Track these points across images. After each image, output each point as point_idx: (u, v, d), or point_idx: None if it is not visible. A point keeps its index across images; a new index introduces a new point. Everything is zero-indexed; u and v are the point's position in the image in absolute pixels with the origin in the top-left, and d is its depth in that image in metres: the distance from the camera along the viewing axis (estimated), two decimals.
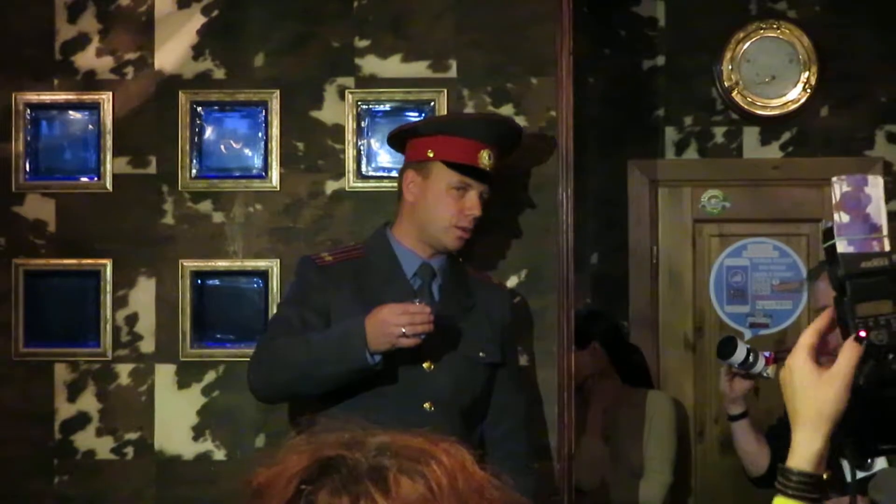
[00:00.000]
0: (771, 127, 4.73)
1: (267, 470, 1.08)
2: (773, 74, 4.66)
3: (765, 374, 3.20)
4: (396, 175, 3.19)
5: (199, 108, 3.45)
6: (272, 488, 1.06)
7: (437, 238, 3.05)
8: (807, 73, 4.64)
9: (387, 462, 1.06)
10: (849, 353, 1.41)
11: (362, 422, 1.12)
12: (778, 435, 3.35)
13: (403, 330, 2.79)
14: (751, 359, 3.17)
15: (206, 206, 3.44)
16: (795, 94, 4.66)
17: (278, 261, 3.40)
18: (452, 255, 3.12)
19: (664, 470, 4.14)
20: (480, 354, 3.07)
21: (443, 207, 3.03)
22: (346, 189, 3.42)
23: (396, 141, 3.20)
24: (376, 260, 3.08)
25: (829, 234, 1.49)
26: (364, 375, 2.89)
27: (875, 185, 1.47)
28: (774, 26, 4.67)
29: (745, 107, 4.67)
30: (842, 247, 1.45)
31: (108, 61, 3.45)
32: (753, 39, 4.67)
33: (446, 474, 1.06)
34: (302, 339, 2.92)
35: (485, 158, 3.06)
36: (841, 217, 1.46)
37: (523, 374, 3.28)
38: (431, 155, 3.05)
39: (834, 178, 1.48)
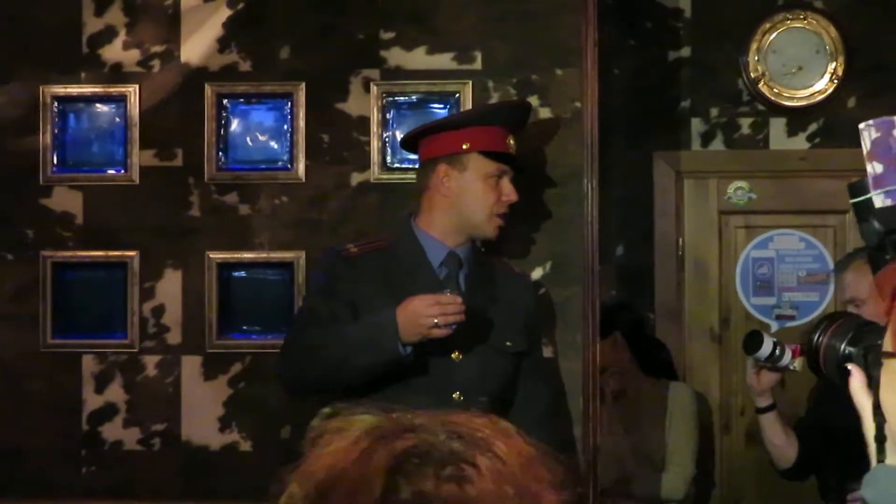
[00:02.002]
0: (798, 118, 4.70)
1: (332, 469, 1.05)
2: (799, 65, 4.64)
3: (792, 367, 3.18)
4: (439, 167, 3.17)
5: (225, 101, 3.45)
6: (358, 486, 1.04)
7: (479, 227, 3.08)
8: (834, 64, 4.62)
9: (461, 444, 1.07)
10: None
11: (382, 404, 1.12)
12: (807, 427, 3.34)
13: (435, 320, 2.80)
14: (777, 352, 3.16)
15: (232, 198, 3.44)
16: (822, 85, 4.63)
17: (304, 252, 3.40)
18: (476, 244, 3.13)
19: (686, 462, 4.13)
20: (507, 344, 3.07)
21: (483, 197, 3.06)
22: (372, 181, 3.42)
23: (412, 140, 3.20)
24: (402, 250, 3.08)
25: (857, 189, 1.39)
26: (395, 367, 2.89)
27: None
28: (801, 17, 4.64)
29: (772, 98, 4.65)
30: (879, 201, 1.35)
31: (134, 54, 3.46)
32: (780, 30, 4.64)
33: (510, 450, 1.08)
34: (332, 332, 2.93)
35: (511, 143, 3.12)
36: (874, 167, 1.36)
37: (548, 365, 3.28)
38: (467, 147, 3.07)
39: (861, 125, 1.38)
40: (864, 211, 1.37)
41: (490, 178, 3.07)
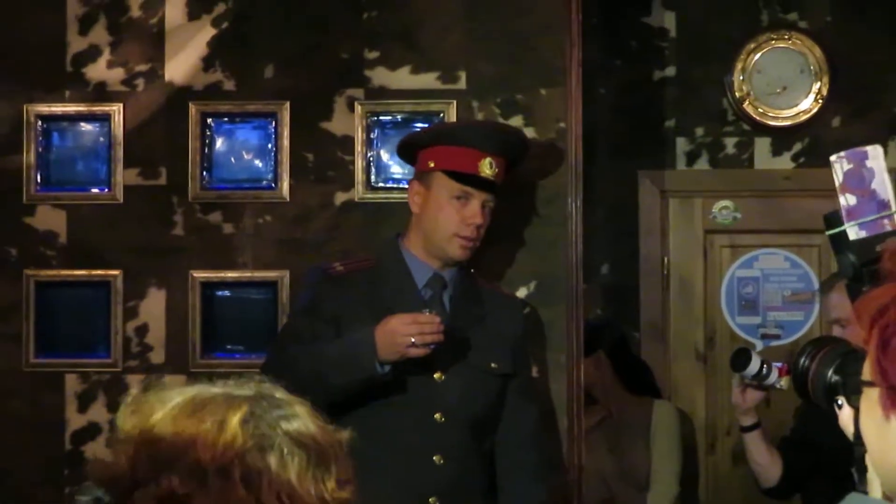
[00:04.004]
0: (782, 137, 4.71)
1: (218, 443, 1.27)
2: (784, 85, 4.65)
3: (778, 386, 3.18)
4: (406, 186, 3.20)
5: (210, 120, 3.45)
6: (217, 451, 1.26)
7: (442, 248, 3.04)
8: (818, 84, 4.63)
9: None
10: None
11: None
12: (791, 446, 3.34)
13: (413, 340, 2.79)
14: (764, 370, 3.16)
15: (216, 217, 3.44)
16: (807, 105, 4.64)
17: (288, 272, 3.40)
18: (464, 266, 3.12)
19: (670, 481, 4.13)
20: (492, 366, 3.06)
21: (444, 217, 3.02)
22: (356, 200, 3.42)
23: (407, 154, 3.20)
24: (388, 270, 3.07)
25: (832, 221, 1.40)
26: (374, 385, 2.88)
27: (875, 157, 1.38)
28: (786, 37, 4.66)
29: (757, 117, 4.66)
30: (853, 233, 1.36)
31: (118, 73, 3.46)
32: (765, 50, 4.66)
33: None
34: (312, 349, 2.92)
35: (486, 167, 3.04)
36: (847, 199, 1.37)
37: (534, 385, 3.27)
38: (432, 165, 3.05)
39: (833, 158, 1.38)
40: (840, 243, 1.37)
41: (453, 199, 3.02)
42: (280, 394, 1.32)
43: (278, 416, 1.28)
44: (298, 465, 1.24)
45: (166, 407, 1.28)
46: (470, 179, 3.03)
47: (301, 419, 1.29)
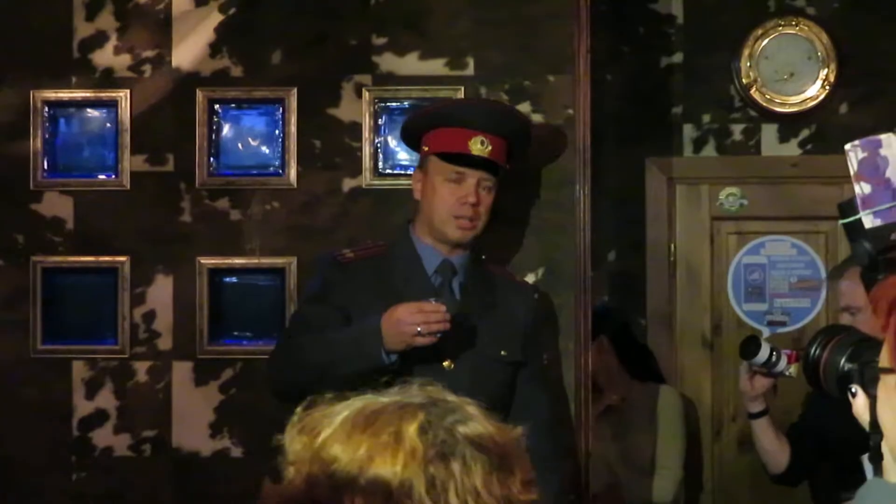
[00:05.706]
0: (789, 124, 4.71)
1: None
2: (791, 71, 4.64)
3: (787, 373, 3.18)
4: (413, 172, 3.19)
5: (217, 106, 3.45)
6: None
7: (442, 231, 3.03)
8: (826, 70, 4.62)
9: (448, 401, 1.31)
10: None
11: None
12: (799, 433, 3.34)
13: (419, 329, 2.78)
14: (773, 358, 3.16)
15: (223, 203, 3.44)
16: (814, 91, 4.64)
17: (295, 258, 3.40)
18: (474, 252, 3.11)
19: (675, 465, 4.14)
20: (502, 353, 3.05)
21: (439, 199, 3.01)
22: (363, 186, 3.42)
23: (412, 142, 3.19)
24: (398, 257, 3.07)
25: (847, 208, 1.41)
26: (382, 375, 2.87)
27: (890, 145, 1.38)
28: (793, 23, 4.65)
29: (764, 104, 4.65)
30: (868, 221, 1.37)
31: (125, 59, 3.45)
32: (772, 36, 4.65)
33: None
34: (320, 338, 2.92)
35: (477, 145, 3.01)
36: (862, 188, 1.37)
37: (545, 373, 3.26)
38: (426, 150, 3.05)
39: (847, 146, 1.39)
40: (855, 231, 1.37)
41: (448, 181, 3.01)
42: (450, 397, 1.25)
43: (454, 421, 1.22)
44: (482, 469, 1.19)
45: (335, 422, 1.23)
46: (461, 159, 3.00)
47: (476, 421, 1.23)
